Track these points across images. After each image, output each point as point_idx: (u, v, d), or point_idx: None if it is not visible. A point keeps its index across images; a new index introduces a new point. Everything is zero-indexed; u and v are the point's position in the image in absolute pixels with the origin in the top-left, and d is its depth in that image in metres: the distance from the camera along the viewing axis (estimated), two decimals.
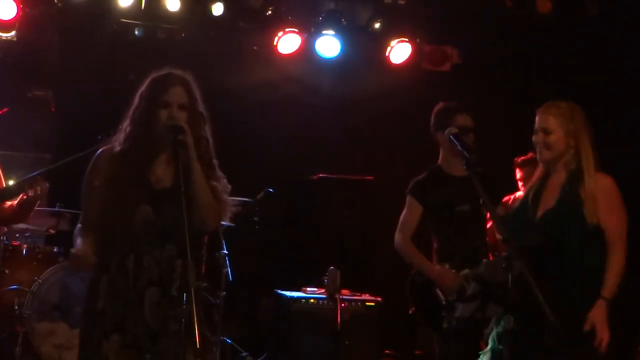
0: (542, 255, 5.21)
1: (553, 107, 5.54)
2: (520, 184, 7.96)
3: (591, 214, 5.16)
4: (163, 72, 4.75)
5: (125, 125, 4.70)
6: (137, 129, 4.63)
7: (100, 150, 4.73)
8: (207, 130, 4.79)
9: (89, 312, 4.59)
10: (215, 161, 4.79)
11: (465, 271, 6.02)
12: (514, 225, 5.33)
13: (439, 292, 6.18)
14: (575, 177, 5.29)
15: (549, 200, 5.34)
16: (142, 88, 4.74)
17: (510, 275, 5.16)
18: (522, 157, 7.91)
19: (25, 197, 5.02)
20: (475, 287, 5.88)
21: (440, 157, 6.47)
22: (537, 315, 4.79)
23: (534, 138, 5.49)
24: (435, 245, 6.38)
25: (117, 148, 4.65)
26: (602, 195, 5.19)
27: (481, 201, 5.60)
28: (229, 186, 4.79)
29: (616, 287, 5.14)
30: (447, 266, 6.20)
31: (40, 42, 9.64)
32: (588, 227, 5.17)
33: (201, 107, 4.76)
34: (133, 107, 4.71)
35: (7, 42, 9.33)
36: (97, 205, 4.60)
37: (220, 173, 4.78)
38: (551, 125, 5.41)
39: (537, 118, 5.51)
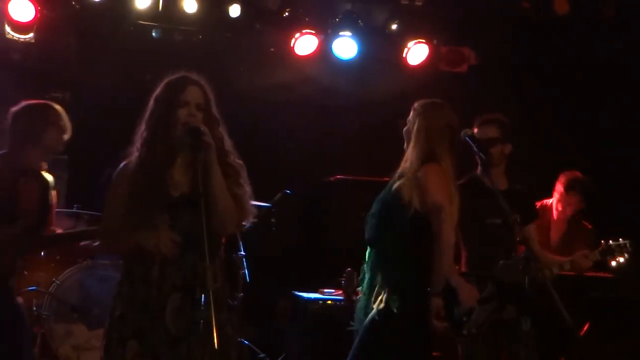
0: None
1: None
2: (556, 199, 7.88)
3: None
4: (177, 74, 4.76)
5: (142, 130, 4.69)
6: (155, 131, 4.61)
7: (122, 165, 4.73)
8: (223, 132, 4.79)
9: (111, 315, 4.62)
10: (238, 161, 4.78)
11: None
12: None
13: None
14: None
15: None
16: (157, 91, 4.73)
17: (526, 277, 5.17)
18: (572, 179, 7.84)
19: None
20: (491, 288, 5.87)
21: (478, 167, 6.40)
22: (553, 317, 4.77)
23: None
24: (464, 253, 6.32)
25: (135, 154, 4.64)
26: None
27: (514, 215, 5.54)
28: (251, 192, 4.79)
29: None
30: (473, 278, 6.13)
31: (58, 44, 9.66)
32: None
33: (215, 110, 4.76)
34: (149, 111, 4.70)
35: (25, 44, 9.36)
36: (115, 216, 4.61)
37: (243, 174, 4.77)
38: None
39: None
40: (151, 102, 4.71)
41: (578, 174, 7.81)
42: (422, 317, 5.36)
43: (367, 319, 5.52)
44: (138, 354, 4.48)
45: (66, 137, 6.28)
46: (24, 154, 6.06)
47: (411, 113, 5.73)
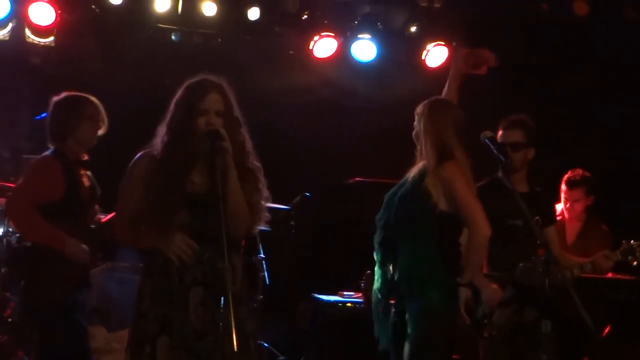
0: None
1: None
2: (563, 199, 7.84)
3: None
4: (197, 78, 4.77)
5: (162, 132, 4.71)
6: (174, 137, 4.65)
7: (139, 155, 4.76)
8: (245, 134, 4.80)
9: (134, 315, 4.65)
10: (257, 164, 4.80)
11: None
12: None
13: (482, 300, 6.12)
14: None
15: None
16: (178, 95, 4.76)
17: (547, 280, 5.15)
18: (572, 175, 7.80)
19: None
20: (512, 291, 5.85)
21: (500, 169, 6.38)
22: (574, 320, 4.76)
23: None
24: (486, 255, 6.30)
25: (156, 155, 4.67)
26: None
27: (535, 218, 5.52)
28: (269, 196, 4.81)
29: None
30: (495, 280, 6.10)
31: (78, 47, 9.69)
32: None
33: (237, 111, 4.78)
34: (169, 115, 4.73)
35: (46, 47, 9.39)
36: (131, 206, 4.64)
37: (261, 177, 4.79)
38: None
39: None
40: (172, 106, 4.74)
41: (579, 170, 7.77)
42: (446, 316, 5.36)
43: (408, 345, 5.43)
44: (171, 348, 4.51)
45: (101, 131, 6.31)
46: (67, 146, 6.07)
47: (415, 117, 5.72)
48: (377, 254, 5.65)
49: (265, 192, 4.80)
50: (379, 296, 5.60)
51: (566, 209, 7.73)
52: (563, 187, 7.77)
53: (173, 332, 4.53)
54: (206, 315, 4.53)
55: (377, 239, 5.68)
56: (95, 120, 6.18)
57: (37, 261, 6.03)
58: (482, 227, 5.37)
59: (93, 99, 6.25)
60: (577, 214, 7.74)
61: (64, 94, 6.22)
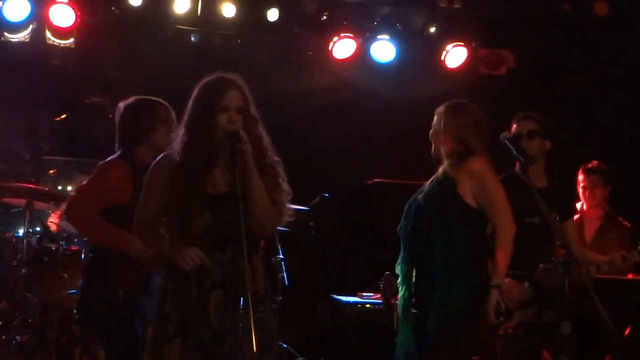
0: None
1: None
2: (581, 189, 7.81)
3: None
4: (215, 76, 4.76)
5: (182, 132, 4.71)
6: (195, 135, 4.63)
7: (160, 156, 4.77)
8: (262, 131, 4.79)
9: (156, 316, 4.66)
10: (276, 158, 4.79)
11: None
12: None
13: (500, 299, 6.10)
14: None
15: None
16: (195, 94, 4.74)
17: (566, 281, 5.12)
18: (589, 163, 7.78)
19: None
20: (531, 292, 5.83)
21: (517, 165, 6.37)
22: (594, 321, 4.73)
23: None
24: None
25: (176, 157, 4.67)
26: None
27: (552, 214, 5.49)
28: (290, 190, 4.81)
29: None
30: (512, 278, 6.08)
31: (98, 49, 9.74)
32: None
33: (253, 109, 4.78)
34: (187, 115, 4.72)
35: (66, 49, 9.43)
36: (150, 210, 4.66)
37: (281, 171, 4.78)
38: None
39: None
40: (190, 105, 4.72)
41: (595, 161, 7.74)
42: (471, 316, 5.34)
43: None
44: (183, 350, 4.52)
45: (173, 135, 6.25)
46: (137, 151, 6.02)
47: (435, 117, 5.70)
48: (401, 263, 5.61)
49: (286, 186, 4.79)
50: (405, 300, 5.56)
51: (585, 198, 7.67)
52: (580, 176, 7.72)
53: (188, 335, 4.54)
54: (225, 317, 4.53)
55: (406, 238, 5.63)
56: (169, 123, 6.05)
57: (96, 264, 5.96)
58: (510, 224, 5.33)
59: (164, 102, 6.15)
60: (596, 201, 7.67)
61: (133, 98, 6.05)
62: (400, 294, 5.60)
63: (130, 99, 6.08)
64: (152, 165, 4.80)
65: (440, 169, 5.51)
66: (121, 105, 6.10)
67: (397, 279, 5.63)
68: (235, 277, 4.52)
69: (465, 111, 5.60)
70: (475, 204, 5.37)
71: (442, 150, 5.54)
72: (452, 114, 5.57)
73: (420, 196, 5.56)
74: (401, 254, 5.60)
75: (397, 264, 5.62)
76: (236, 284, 4.49)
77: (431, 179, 5.58)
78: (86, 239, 8.85)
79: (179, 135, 4.73)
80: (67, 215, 6.13)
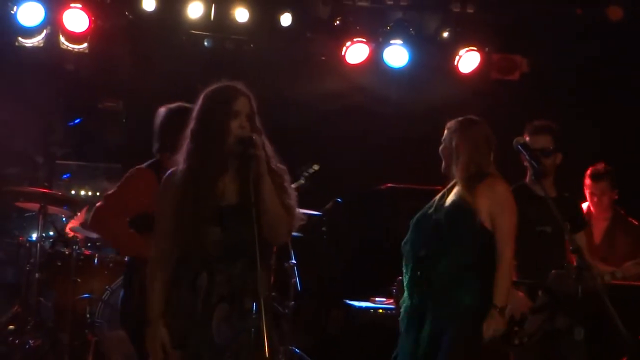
0: None
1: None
2: (588, 194, 7.78)
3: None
4: (221, 84, 4.72)
5: (188, 141, 4.64)
6: (206, 142, 4.57)
7: (168, 172, 4.71)
8: (264, 139, 4.73)
9: None
10: (280, 166, 4.76)
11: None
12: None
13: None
14: None
15: None
16: (203, 101, 4.66)
17: (580, 287, 5.11)
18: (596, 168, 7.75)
19: None
20: (544, 298, 5.82)
21: (527, 175, 6.38)
22: (607, 327, 4.72)
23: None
24: (515, 262, 6.26)
25: (184, 166, 4.62)
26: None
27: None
28: (296, 194, 4.79)
29: None
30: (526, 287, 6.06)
31: (112, 54, 9.77)
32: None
33: (257, 119, 4.73)
34: (195, 122, 4.64)
35: (79, 54, 9.47)
36: (167, 225, 4.61)
37: (286, 177, 4.76)
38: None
39: None
40: (197, 113, 4.65)
41: (602, 163, 7.71)
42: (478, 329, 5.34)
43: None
44: None
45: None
46: (173, 159, 5.92)
47: (445, 132, 5.71)
48: (410, 280, 5.60)
49: (293, 191, 4.77)
50: (408, 309, 5.57)
51: (593, 203, 7.66)
52: (587, 181, 7.69)
53: (188, 347, 4.51)
54: (227, 330, 4.50)
55: (406, 259, 5.65)
56: None
57: (133, 272, 5.92)
58: (510, 257, 5.44)
59: None
60: (605, 207, 7.65)
61: (176, 104, 5.94)
62: (404, 306, 5.60)
63: (173, 105, 6.00)
64: (162, 182, 4.73)
65: (456, 190, 5.52)
66: (162, 110, 6.00)
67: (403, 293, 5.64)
68: (242, 291, 4.49)
69: (477, 130, 5.61)
70: (490, 226, 5.40)
71: (455, 171, 5.55)
72: (464, 133, 5.59)
73: (432, 212, 5.57)
74: (407, 268, 5.60)
75: (403, 277, 5.64)
76: (242, 295, 4.48)
77: (442, 193, 5.60)
78: (100, 244, 8.95)
79: (184, 144, 4.65)
80: (95, 227, 6.10)
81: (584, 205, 7.47)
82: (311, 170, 8.35)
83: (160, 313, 4.57)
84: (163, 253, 4.62)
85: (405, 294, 5.61)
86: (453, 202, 5.51)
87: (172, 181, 4.62)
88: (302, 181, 8.22)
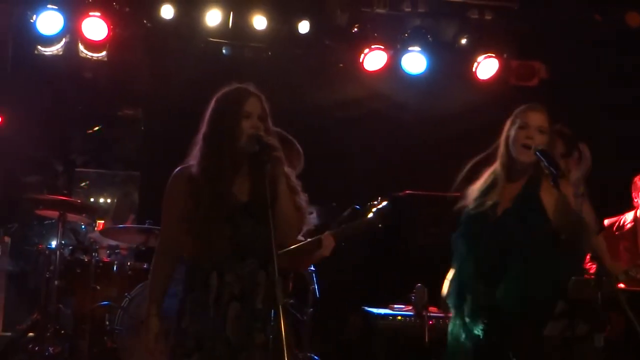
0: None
1: (543, 109, 5.52)
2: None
3: None
4: (233, 86, 4.75)
5: (201, 142, 4.67)
6: (218, 143, 4.59)
7: (178, 169, 4.73)
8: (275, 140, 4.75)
9: (175, 330, 4.64)
10: (289, 168, 4.77)
11: None
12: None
13: None
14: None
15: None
16: (215, 103, 4.71)
17: (599, 294, 5.09)
18: None
19: None
20: (563, 305, 5.80)
21: None
22: (627, 334, 4.71)
23: (519, 133, 5.44)
24: None
25: (196, 166, 4.65)
26: None
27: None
28: (305, 194, 4.80)
29: None
30: None
31: (130, 62, 9.80)
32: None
33: (270, 121, 4.74)
34: (208, 124, 4.67)
35: (98, 62, 9.51)
36: (176, 224, 4.63)
37: (294, 179, 4.78)
38: (546, 126, 5.40)
39: (528, 114, 5.47)
40: (209, 115, 4.69)
41: None
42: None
43: None
44: None
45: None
46: None
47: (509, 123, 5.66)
48: (476, 278, 5.55)
49: (301, 193, 4.78)
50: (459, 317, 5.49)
51: None
52: (637, 184, 7.71)
53: (205, 349, 4.52)
54: (242, 331, 4.52)
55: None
56: None
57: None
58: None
59: None
60: None
61: None
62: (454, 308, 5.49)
63: None
64: (169, 181, 4.75)
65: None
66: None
67: (448, 297, 5.54)
68: (252, 291, 4.51)
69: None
70: (559, 225, 5.35)
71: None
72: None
73: (499, 210, 5.49)
74: (464, 266, 5.54)
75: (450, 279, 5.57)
76: (254, 295, 4.50)
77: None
78: (119, 251, 8.98)
79: (197, 145, 4.68)
80: None
81: (629, 215, 7.51)
82: (349, 212, 8.39)
83: (158, 305, 4.69)
84: (169, 248, 4.71)
85: (453, 298, 5.52)
86: (523, 202, 5.48)
87: (180, 178, 4.65)
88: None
